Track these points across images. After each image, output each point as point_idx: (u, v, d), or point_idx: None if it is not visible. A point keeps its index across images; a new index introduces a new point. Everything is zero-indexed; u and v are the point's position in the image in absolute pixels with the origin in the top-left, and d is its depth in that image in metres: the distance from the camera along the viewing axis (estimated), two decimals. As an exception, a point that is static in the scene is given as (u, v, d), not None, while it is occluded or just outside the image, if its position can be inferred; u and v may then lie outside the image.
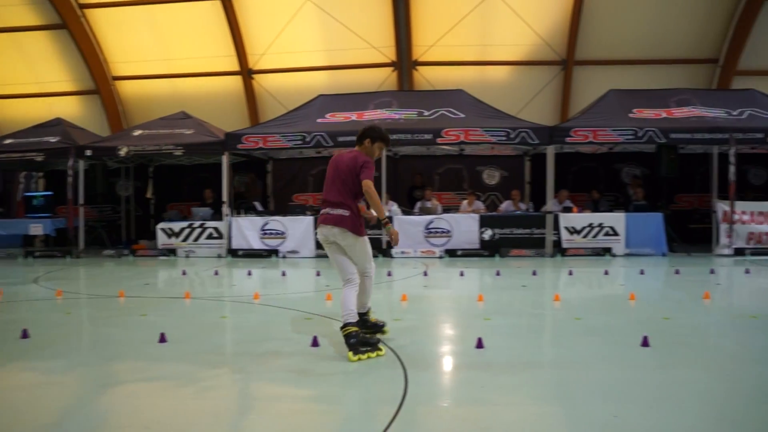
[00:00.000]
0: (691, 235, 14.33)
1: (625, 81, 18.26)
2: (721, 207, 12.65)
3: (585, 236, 12.81)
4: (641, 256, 12.52)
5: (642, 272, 10.14)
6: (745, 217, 12.62)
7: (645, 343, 5.19)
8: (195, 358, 5.03)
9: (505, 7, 19.23)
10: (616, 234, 12.74)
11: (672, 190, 15.17)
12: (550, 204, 13.12)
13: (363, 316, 5.40)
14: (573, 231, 12.83)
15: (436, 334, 6.03)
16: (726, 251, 12.53)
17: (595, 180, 15.84)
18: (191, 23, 20.46)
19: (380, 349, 4.98)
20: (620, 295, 7.97)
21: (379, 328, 5.57)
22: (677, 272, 10.17)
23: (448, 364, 4.92)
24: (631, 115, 13.48)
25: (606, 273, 10.22)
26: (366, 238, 5.23)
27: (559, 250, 12.80)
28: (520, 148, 15.01)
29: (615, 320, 6.34)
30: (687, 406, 3.80)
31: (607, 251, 12.74)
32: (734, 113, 13.52)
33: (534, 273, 10.17)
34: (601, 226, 12.79)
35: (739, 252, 12.54)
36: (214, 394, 4.15)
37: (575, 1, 19.21)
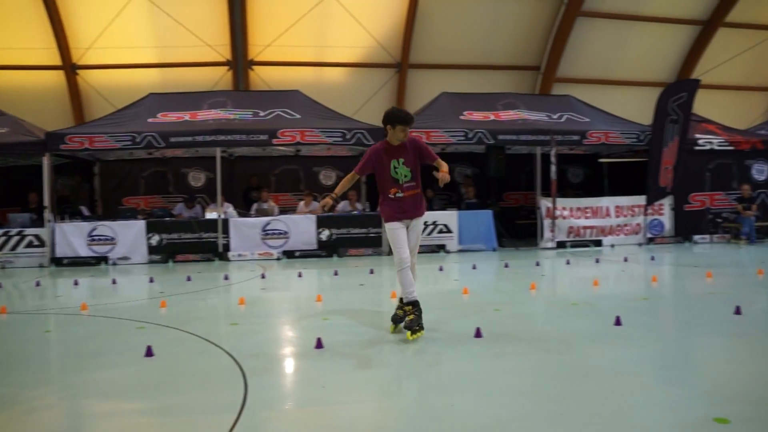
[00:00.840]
0: (518, 231, 15.30)
1: (457, 84, 19.11)
2: (545, 204, 13.64)
3: (421, 234, 13.20)
4: (473, 251, 13.15)
5: (474, 267, 10.62)
6: (566, 213, 13.72)
7: (478, 334, 5.39)
8: (16, 378, 4.49)
9: (341, 9, 19.39)
10: (449, 231, 13.28)
11: (500, 188, 16.13)
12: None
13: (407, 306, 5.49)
14: (410, 229, 13.17)
15: (275, 337, 5.87)
16: (549, 244, 13.53)
17: (429, 179, 16.38)
18: (3, 10, 18.43)
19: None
20: (454, 290, 8.27)
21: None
22: (506, 266, 10.78)
23: (288, 366, 4.80)
24: (461, 117, 14.13)
25: (441, 269, 10.59)
26: (390, 224, 5.52)
27: (397, 247, 13.08)
28: (356, 148, 15.18)
29: (450, 314, 6.55)
30: (521, 391, 3.97)
31: (441, 248, 13.24)
32: (554, 117, 14.65)
33: (371, 271, 10.30)
34: (435, 224, 13.27)
35: (560, 245, 13.59)
36: (38, 416, 3.70)
37: (410, 7, 19.82)
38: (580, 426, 3.38)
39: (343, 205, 14.01)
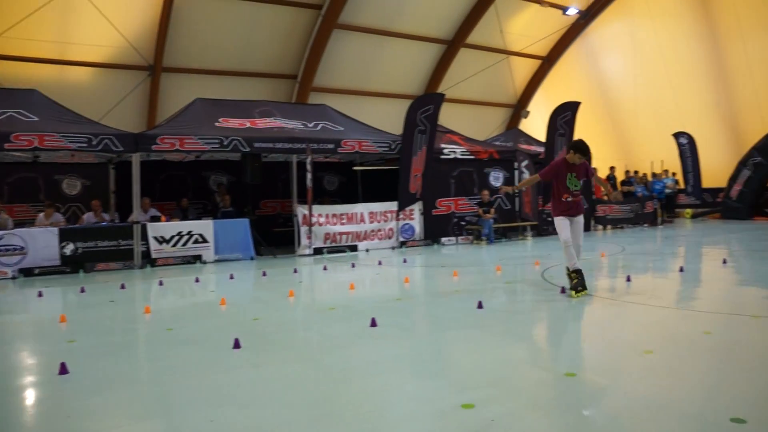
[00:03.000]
0: (276, 239, 15.31)
1: (213, 90, 18.70)
2: (301, 211, 13.82)
3: (175, 245, 12.61)
4: (231, 261, 12.87)
5: (231, 277, 10.40)
6: (322, 220, 14.04)
7: (237, 345, 5.25)
8: None
9: (88, 3, 17.83)
10: (205, 241, 12.85)
11: (257, 196, 16.04)
12: (137, 214, 12.56)
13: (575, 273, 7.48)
14: (162, 240, 12.51)
15: (10, 366, 5.11)
16: (307, 251, 13.74)
17: (184, 188, 15.78)
18: None
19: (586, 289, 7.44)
20: (211, 301, 8.00)
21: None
22: (264, 274, 10.72)
23: (28, 397, 4.23)
24: (217, 124, 13.78)
25: (197, 280, 10.19)
26: (558, 218, 7.53)
27: (149, 260, 12.34)
28: (104, 155, 14.05)
29: (207, 326, 6.31)
30: (282, 399, 3.93)
31: (197, 259, 12.76)
32: (310, 125, 14.95)
33: (123, 286, 9.57)
34: (190, 234, 12.75)
35: (318, 251, 13.87)
36: None
37: (164, 8, 18.92)
38: (341, 427, 3.42)
39: (88, 217, 12.84)
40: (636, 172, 22.55)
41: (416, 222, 15.38)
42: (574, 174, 7.47)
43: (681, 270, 9.46)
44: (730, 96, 24.48)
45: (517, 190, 7.01)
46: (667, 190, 22.44)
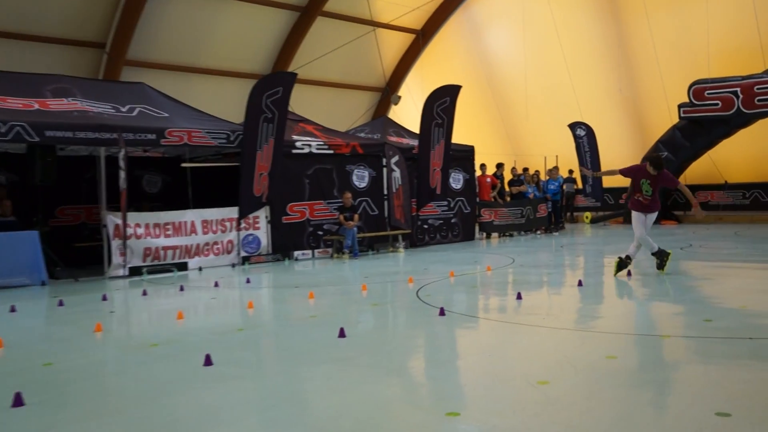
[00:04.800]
0: (78, 256, 14.64)
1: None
2: (112, 220, 13.26)
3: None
4: (12, 288, 12.11)
5: (13, 309, 9.77)
6: (140, 231, 13.55)
7: (18, 401, 4.90)
8: None
9: None
10: (-24, 262, 12.02)
11: (52, 201, 15.27)
12: None
13: (627, 258, 10.86)
14: None
15: None
16: (121, 272, 13.21)
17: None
18: None
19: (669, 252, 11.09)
20: (-17, 343, 7.46)
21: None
22: (61, 304, 10.17)
23: None
24: (-9, 103, 12.98)
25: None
26: (634, 213, 10.89)
27: None
28: None
29: (-22, 375, 5.87)
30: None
31: (-33, 286, 11.90)
32: (124, 109, 14.44)
33: None
34: (-49, 253, 11.87)
35: (135, 271, 13.37)
36: None
37: None
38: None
39: None
40: (526, 170, 23.57)
41: (262, 232, 15.27)
42: (649, 181, 10.59)
43: (580, 284, 9.96)
44: (634, 81, 26.30)
45: (597, 176, 12.49)
46: (566, 190, 23.70)
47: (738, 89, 21.72)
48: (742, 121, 22.16)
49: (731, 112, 21.86)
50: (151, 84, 16.62)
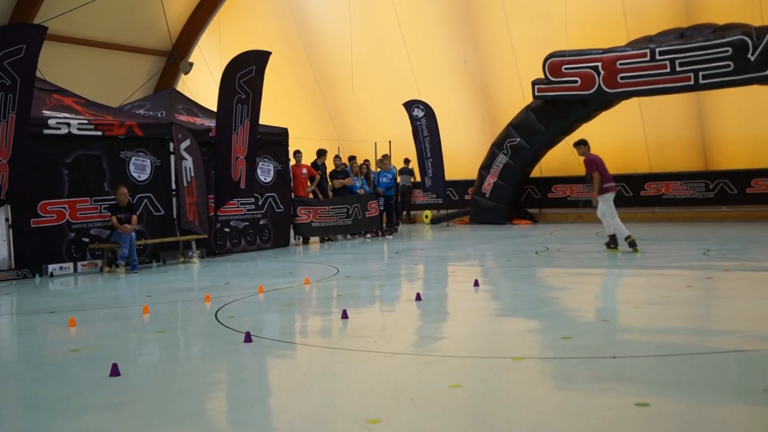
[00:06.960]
0: None
1: None
2: None
3: None
4: None
5: None
6: None
7: None
8: None
9: None
10: None
11: None
12: None
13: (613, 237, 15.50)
14: None
15: None
16: None
17: None
18: None
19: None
20: None
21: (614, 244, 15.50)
22: None
23: None
24: None
25: None
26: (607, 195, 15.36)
27: None
28: None
29: None
30: None
31: None
32: None
33: None
34: None
35: None
36: None
37: None
38: None
39: None
40: (353, 159, 23.71)
41: (1, 242, 14.51)
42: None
43: (418, 298, 10.14)
44: (481, 52, 27.05)
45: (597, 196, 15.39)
46: (402, 183, 24.10)
47: (599, 64, 22.72)
48: (603, 102, 23.32)
49: (591, 91, 22.84)
50: None
